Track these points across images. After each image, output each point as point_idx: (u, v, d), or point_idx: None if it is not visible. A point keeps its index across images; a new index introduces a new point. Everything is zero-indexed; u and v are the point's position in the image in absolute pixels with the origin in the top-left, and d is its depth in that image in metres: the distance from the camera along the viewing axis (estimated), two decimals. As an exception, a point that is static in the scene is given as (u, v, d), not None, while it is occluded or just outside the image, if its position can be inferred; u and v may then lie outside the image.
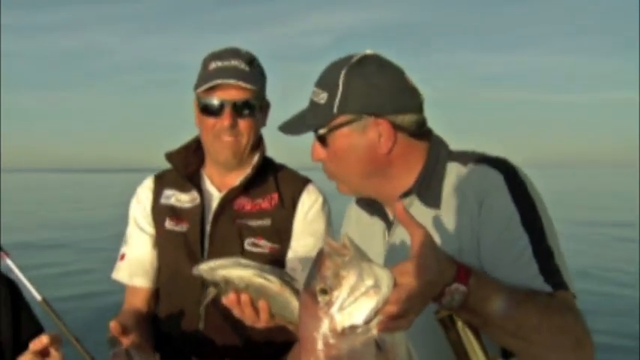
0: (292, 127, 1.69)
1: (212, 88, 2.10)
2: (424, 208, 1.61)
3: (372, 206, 1.78)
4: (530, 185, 1.53)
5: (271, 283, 1.62)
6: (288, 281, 1.63)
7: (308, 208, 2.22)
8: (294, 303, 1.59)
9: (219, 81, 2.08)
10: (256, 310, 1.65)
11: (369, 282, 1.10)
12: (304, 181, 2.28)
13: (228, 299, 1.65)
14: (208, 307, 2.09)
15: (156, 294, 2.28)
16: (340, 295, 1.10)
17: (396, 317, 1.13)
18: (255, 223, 2.18)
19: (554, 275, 1.44)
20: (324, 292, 1.11)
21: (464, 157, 1.63)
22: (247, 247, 2.14)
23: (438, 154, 1.65)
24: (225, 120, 2.11)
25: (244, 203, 2.21)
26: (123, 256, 2.30)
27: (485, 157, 1.60)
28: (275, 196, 2.23)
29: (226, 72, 2.11)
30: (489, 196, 1.51)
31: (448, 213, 1.58)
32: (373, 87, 1.58)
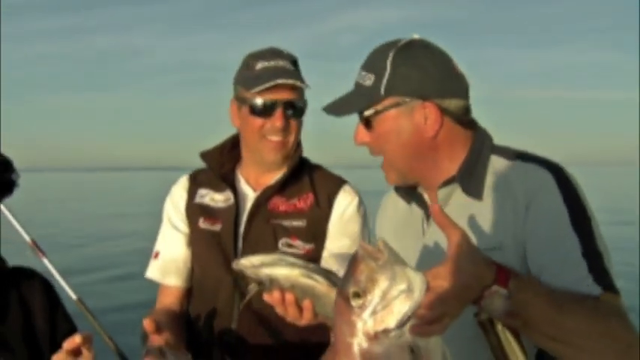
0: (337, 108, 1.67)
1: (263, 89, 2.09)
2: (465, 197, 1.60)
3: (411, 194, 1.78)
4: (578, 187, 1.52)
5: (319, 283, 1.58)
6: (335, 282, 1.57)
7: (344, 208, 2.21)
8: None
9: (280, 81, 2.08)
10: (299, 308, 1.63)
11: (402, 286, 1.09)
12: (340, 182, 2.27)
13: (272, 297, 1.62)
14: (242, 310, 2.10)
15: (188, 293, 2.29)
16: (373, 299, 1.10)
17: (430, 321, 1.12)
18: (289, 223, 2.17)
19: (603, 277, 1.41)
20: (357, 295, 1.11)
21: (509, 153, 1.62)
22: (282, 247, 2.13)
23: (482, 144, 1.64)
24: (277, 120, 2.11)
25: (279, 203, 2.20)
26: (157, 255, 2.31)
27: (533, 155, 1.59)
28: (310, 196, 2.22)
29: (279, 72, 2.12)
30: (539, 194, 1.49)
31: (490, 205, 1.56)
32: (421, 70, 1.58)
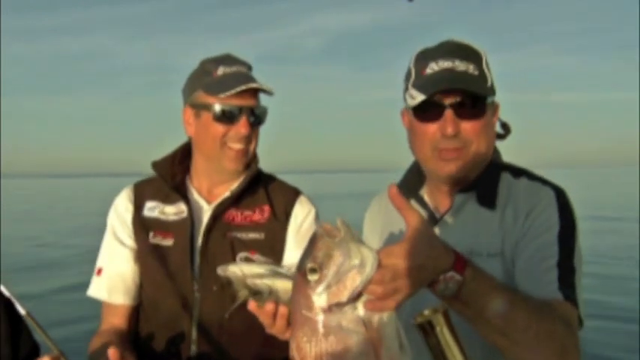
0: (466, 86, 1.65)
1: (227, 95, 2.05)
2: (478, 206, 1.70)
3: (416, 197, 1.83)
4: (574, 211, 1.64)
5: None
6: None
7: (302, 220, 2.17)
8: None
9: (252, 85, 2.04)
10: (289, 322, 1.59)
11: (355, 261, 1.16)
12: (295, 193, 2.24)
13: (264, 309, 1.59)
14: (201, 328, 2.04)
15: (136, 311, 2.18)
16: (328, 273, 1.16)
17: (382, 297, 1.18)
18: (246, 236, 2.11)
19: (569, 288, 1.52)
20: (314, 270, 1.17)
21: (514, 170, 1.74)
22: (239, 261, 2.05)
23: (497, 158, 1.77)
24: (242, 127, 2.06)
25: (234, 215, 2.14)
26: (100, 271, 2.19)
27: (537, 175, 1.73)
28: (267, 208, 2.17)
29: (244, 77, 2.08)
30: (539, 205, 1.62)
31: (498, 216, 1.66)
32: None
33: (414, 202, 1.81)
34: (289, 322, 1.58)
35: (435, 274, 1.28)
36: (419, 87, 1.67)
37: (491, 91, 1.70)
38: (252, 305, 1.59)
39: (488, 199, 1.68)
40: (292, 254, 2.11)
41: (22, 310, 1.88)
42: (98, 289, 2.17)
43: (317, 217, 2.20)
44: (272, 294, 1.57)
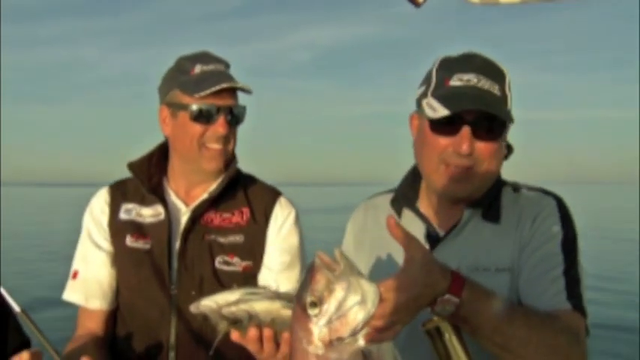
0: (487, 105, 1.61)
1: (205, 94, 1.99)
2: (483, 222, 1.70)
3: (413, 209, 1.79)
4: (573, 218, 1.68)
5: None
6: None
7: (282, 222, 2.13)
8: None
9: (225, 85, 1.98)
10: (276, 343, 1.58)
11: (356, 297, 1.16)
12: (275, 194, 2.19)
13: (247, 336, 1.56)
14: (180, 333, 2.00)
15: (113, 316, 2.14)
16: (328, 308, 1.17)
17: (382, 330, 1.20)
18: (225, 239, 2.07)
19: (576, 297, 1.56)
20: (314, 304, 1.17)
21: (512, 184, 1.77)
22: (218, 265, 2.04)
23: (498, 175, 1.79)
24: (219, 127, 2.02)
25: (212, 217, 2.10)
26: (75, 274, 2.14)
27: (537, 187, 1.76)
28: (246, 210, 2.13)
29: (222, 76, 2.03)
30: (542, 214, 1.66)
31: (505, 231, 1.68)
32: None
33: (410, 214, 1.79)
34: (277, 344, 1.59)
35: (433, 298, 1.32)
36: (442, 98, 1.62)
37: (509, 113, 1.66)
38: (234, 336, 1.56)
39: (493, 215, 1.69)
40: (272, 258, 2.09)
41: (16, 308, 1.89)
42: (74, 293, 2.13)
43: (297, 219, 2.17)
44: (252, 318, 1.53)
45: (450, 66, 1.67)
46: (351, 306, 1.16)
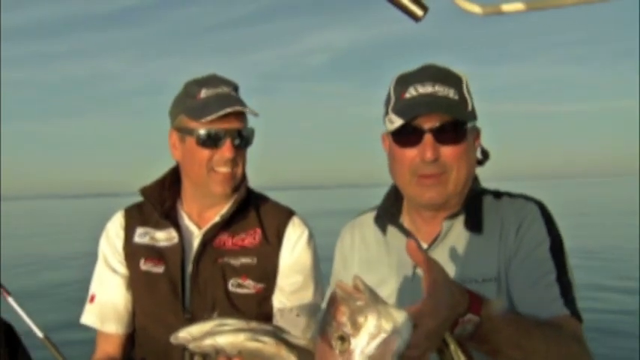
0: (444, 108, 1.63)
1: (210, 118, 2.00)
2: (466, 231, 1.71)
3: (396, 224, 1.78)
4: (556, 222, 1.68)
5: (266, 344, 1.52)
6: (282, 338, 1.54)
7: (294, 242, 2.13)
8: (292, 359, 1.53)
9: (229, 109, 1.99)
10: None
11: (388, 327, 1.07)
12: (288, 214, 2.19)
13: None
14: (192, 357, 2.01)
15: (131, 339, 2.17)
16: (359, 342, 1.07)
17: (415, 358, 1.16)
18: (238, 261, 2.08)
19: (572, 303, 1.57)
20: (342, 339, 1.08)
21: (493, 192, 1.77)
22: (231, 288, 2.05)
23: (477, 183, 1.78)
24: (226, 151, 2.02)
25: (225, 240, 2.11)
26: (92, 298, 2.17)
27: (516, 193, 1.76)
28: (258, 231, 2.13)
29: (226, 100, 2.04)
30: (526, 220, 1.66)
31: (487, 239, 1.68)
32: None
33: (394, 230, 1.79)
34: None
35: (455, 320, 1.29)
36: (398, 111, 1.66)
37: (472, 115, 1.70)
38: None
39: (475, 224, 1.69)
40: (285, 279, 2.09)
41: (39, 334, 1.91)
42: (91, 316, 2.16)
43: (310, 239, 2.17)
44: (219, 352, 1.53)
45: (405, 80, 1.71)
46: (385, 337, 1.06)
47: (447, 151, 1.63)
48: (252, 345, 1.51)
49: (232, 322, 1.54)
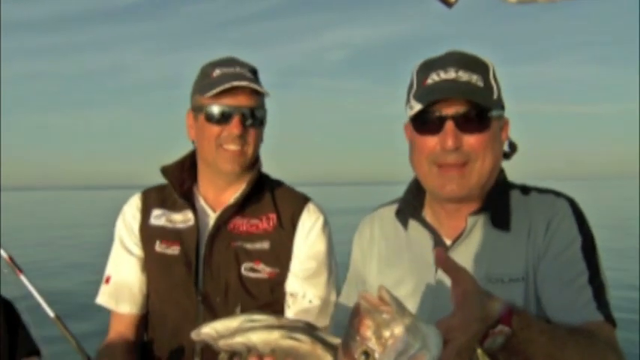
0: (472, 97, 1.56)
1: (219, 95, 2.00)
2: (492, 228, 1.64)
3: (418, 219, 1.72)
4: (588, 220, 1.62)
5: (302, 342, 1.45)
6: (318, 336, 1.46)
7: (309, 229, 2.12)
8: (328, 359, 1.45)
9: (235, 83, 1.98)
10: None
11: (417, 344, 1.01)
12: (304, 200, 2.18)
13: None
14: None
15: (143, 320, 2.19)
16: (385, 358, 1.01)
17: None
18: (252, 245, 2.08)
19: (605, 307, 1.50)
20: (367, 355, 1.02)
21: (521, 187, 1.70)
22: (244, 272, 2.06)
23: (504, 177, 1.71)
24: (233, 127, 2.01)
25: (239, 223, 2.11)
26: (108, 279, 2.19)
27: (545, 188, 1.70)
28: (273, 216, 2.13)
29: (236, 77, 2.03)
30: (556, 217, 1.59)
31: (515, 237, 1.61)
32: (501, 90, 1.66)
33: (416, 224, 1.73)
34: None
35: (485, 331, 1.23)
36: (419, 97, 1.60)
37: (498, 104, 1.63)
38: None
39: (502, 221, 1.62)
40: (298, 265, 2.09)
41: (50, 313, 1.90)
42: (106, 297, 2.17)
43: (325, 225, 2.16)
44: (251, 351, 1.47)
45: (427, 66, 1.65)
46: (412, 354, 1.00)
47: (470, 140, 1.56)
48: (287, 343, 1.45)
49: (262, 318, 1.48)
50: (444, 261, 1.20)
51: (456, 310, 1.16)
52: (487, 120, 1.57)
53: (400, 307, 1.04)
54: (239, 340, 1.46)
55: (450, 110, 1.55)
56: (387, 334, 1.01)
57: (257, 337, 1.45)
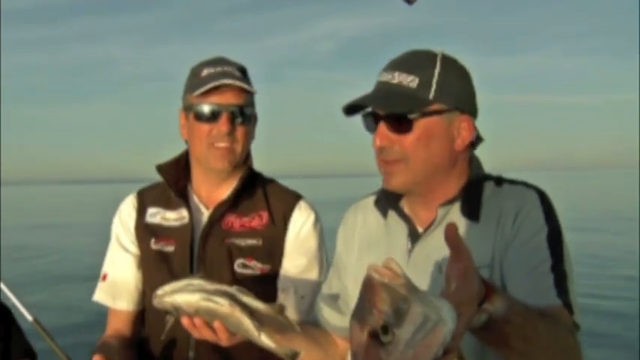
0: (382, 104, 1.67)
1: (207, 93, 2.07)
2: (463, 219, 1.70)
3: (393, 209, 1.81)
4: (556, 211, 1.67)
5: (219, 305, 1.56)
6: (239, 300, 1.57)
7: (300, 226, 2.20)
8: (246, 321, 1.57)
9: (223, 81, 2.05)
10: (213, 330, 1.62)
11: (434, 316, 0.99)
12: (295, 197, 2.25)
13: (184, 324, 1.62)
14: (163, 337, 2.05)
15: (140, 316, 2.24)
16: (404, 332, 0.98)
17: (450, 351, 1.09)
18: (244, 242, 2.14)
19: (565, 294, 1.56)
20: (386, 329, 0.99)
21: (495, 179, 1.77)
22: (237, 268, 2.12)
23: (478, 168, 1.77)
24: (222, 125, 2.07)
25: (232, 221, 2.17)
26: (105, 277, 2.24)
27: (518, 180, 1.76)
28: (264, 214, 2.19)
29: (224, 75, 2.10)
30: (525, 207, 1.65)
31: (485, 227, 1.68)
32: (462, 83, 1.71)
33: (394, 214, 1.82)
34: (215, 331, 1.60)
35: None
36: (363, 99, 1.70)
37: (439, 100, 1.66)
38: (184, 321, 1.60)
39: (472, 211, 1.70)
40: (290, 261, 2.16)
41: (28, 317, 1.88)
42: (103, 294, 2.22)
43: (317, 223, 2.23)
44: (179, 310, 1.57)
45: (384, 68, 1.73)
46: (431, 327, 0.97)
47: (399, 139, 1.66)
48: (206, 304, 1.55)
49: (197, 283, 1.58)
50: (452, 237, 1.22)
51: (460, 285, 1.17)
52: (409, 122, 1.65)
53: (409, 280, 1.03)
54: (167, 299, 1.57)
55: (382, 112, 1.67)
56: (404, 307, 0.99)
57: (180, 298, 1.56)
